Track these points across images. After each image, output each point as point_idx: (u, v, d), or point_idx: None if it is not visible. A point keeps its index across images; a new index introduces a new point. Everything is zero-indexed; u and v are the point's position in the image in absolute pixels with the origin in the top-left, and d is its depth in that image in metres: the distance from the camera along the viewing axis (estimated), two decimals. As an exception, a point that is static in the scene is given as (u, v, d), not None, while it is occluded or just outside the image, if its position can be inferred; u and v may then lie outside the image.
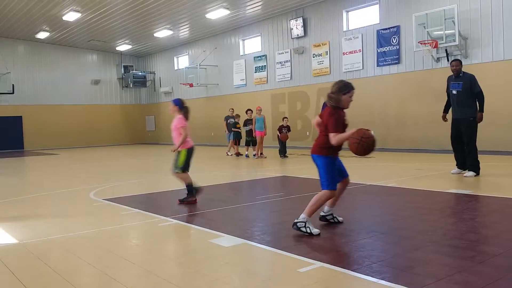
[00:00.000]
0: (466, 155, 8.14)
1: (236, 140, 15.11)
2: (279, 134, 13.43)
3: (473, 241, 4.08)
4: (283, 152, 13.52)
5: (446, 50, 13.42)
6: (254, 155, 13.84)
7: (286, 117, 13.94)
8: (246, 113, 14.42)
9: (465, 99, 8.06)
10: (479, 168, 8.04)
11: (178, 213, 5.81)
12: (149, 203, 6.89)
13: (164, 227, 5.10)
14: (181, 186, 6.93)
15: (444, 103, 8.61)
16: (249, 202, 6.62)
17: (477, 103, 8.03)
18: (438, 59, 13.86)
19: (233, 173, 11.01)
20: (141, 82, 27.92)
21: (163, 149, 22.47)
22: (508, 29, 12.35)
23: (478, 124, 8.01)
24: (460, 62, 8.29)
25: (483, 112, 7.98)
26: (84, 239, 4.67)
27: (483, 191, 7.03)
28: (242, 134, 14.96)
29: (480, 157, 8.23)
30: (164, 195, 7.64)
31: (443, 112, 8.61)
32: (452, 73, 8.32)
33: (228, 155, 15.33)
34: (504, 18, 12.36)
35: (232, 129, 15.05)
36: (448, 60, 13.56)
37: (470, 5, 12.95)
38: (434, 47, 13.23)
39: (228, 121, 15.44)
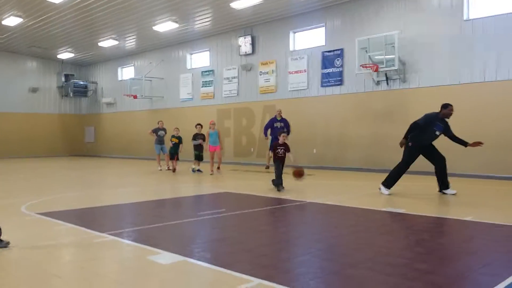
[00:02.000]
0: (445, 172, 8.53)
1: (172, 154, 14.37)
2: (273, 154, 9.87)
3: (407, 258, 4.23)
4: (279, 183, 9.40)
5: (386, 74, 14.05)
6: (195, 170, 13.62)
7: (284, 133, 10.16)
8: (196, 127, 14.05)
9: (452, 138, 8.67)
10: None
11: (115, 228, 5.62)
12: (85, 218, 6.60)
13: (99, 243, 4.90)
14: (123, 200, 6.69)
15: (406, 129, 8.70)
16: (189, 218, 6.51)
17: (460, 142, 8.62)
18: (378, 82, 14.47)
19: (173, 188, 10.83)
20: (82, 91, 26.97)
21: (101, 161, 21.75)
22: (443, 56, 13.13)
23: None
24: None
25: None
26: (13, 255, 4.38)
27: (416, 210, 7.35)
28: (180, 147, 14.38)
29: (417, 178, 8.62)
30: (101, 209, 7.36)
31: (406, 138, 8.65)
32: (435, 112, 8.58)
33: (159, 169, 14.86)
34: (441, 46, 13.13)
35: (171, 141, 14.38)
36: (387, 84, 14.22)
37: (410, 32, 13.67)
38: (375, 71, 13.80)
39: (159, 133, 15.19)
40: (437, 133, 8.54)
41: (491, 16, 12.30)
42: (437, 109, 8.88)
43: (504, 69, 12.04)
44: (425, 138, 8.58)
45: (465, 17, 12.80)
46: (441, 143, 8.88)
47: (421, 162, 8.84)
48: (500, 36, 12.06)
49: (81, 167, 17.87)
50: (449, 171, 8.72)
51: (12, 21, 18.36)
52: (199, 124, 14.02)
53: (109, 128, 26.35)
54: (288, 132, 14.93)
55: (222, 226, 5.95)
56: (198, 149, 13.79)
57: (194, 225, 5.99)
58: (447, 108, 8.54)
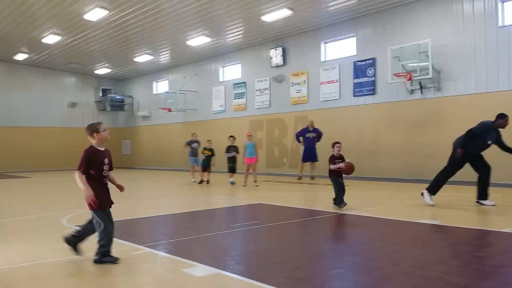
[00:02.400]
0: (488, 181, 8.34)
1: (204, 167, 14.47)
2: (335, 167, 8.51)
3: (441, 272, 4.17)
4: (340, 200, 8.33)
5: (420, 82, 13.85)
6: (233, 182, 13.61)
7: (338, 142, 8.76)
8: (229, 139, 14.13)
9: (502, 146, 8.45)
10: None
11: (151, 241, 5.77)
12: (124, 230, 6.79)
13: (137, 255, 5.05)
14: (158, 212, 6.87)
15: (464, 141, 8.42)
16: (223, 230, 6.61)
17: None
18: (412, 91, 14.28)
19: (207, 200, 10.98)
20: (118, 105, 27.78)
21: (137, 173, 22.26)
22: (478, 64, 12.86)
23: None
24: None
25: None
26: (55, 267, 4.58)
27: (452, 221, 7.19)
28: (215, 160, 14.52)
29: (454, 188, 8.44)
30: (137, 222, 7.56)
31: (463, 149, 8.32)
32: (491, 121, 8.35)
33: (193, 181, 14.93)
34: (476, 53, 12.88)
35: (201, 154, 14.58)
36: (421, 92, 14.01)
37: (443, 40, 13.46)
38: (408, 80, 13.63)
39: (192, 145, 15.33)
40: (489, 142, 8.31)
41: (528, 21, 11.99)
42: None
43: (544, 75, 11.67)
44: (476, 146, 8.35)
45: (500, 24, 12.52)
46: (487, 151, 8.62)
47: (460, 171, 8.63)
48: (539, 41, 11.72)
49: (118, 179, 18.33)
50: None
51: (51, 39, 19.19)
52: (232, 136, 13.98)
53: (145, 141, 26.97)
54: (318, 140, 15.01)
55: (256, 238, 6.01)
56: (232, 161, 13.81)
57: (227, 237, 6.08)
58: (503, 119, 8.22)
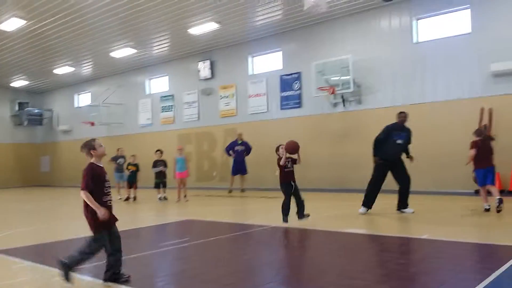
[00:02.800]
0: (406, 191, 8.71)
1: (129, 183, 13.88)
2: (280, 173, 8.12)
3: (368, 280, 4.32)
4: (286, 212, 7.85)
5: (342, 96, 14.46)
6: (161, 198, 13.28)
7: (281, 144, 8.30)
8: (155, 154, 13.80)
9: (404, 149, 8.89)
10: None
11: (75, 264, 5.43)
12: (45, 254, 6.36)
13: (59, 281, 4.72)
14: (81, 233, 6.49)
15: (372, 147, 8.91)
16: (151, 250, 6.40)
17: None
18: (335, 104, 14.86)
19: (134, 218, 10.60)
20: (36, 120, 26.18)
21: (57, 191, 21.07)
22: (395, 78, 13.68)
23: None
24: (407, 114, 8.96)
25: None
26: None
27: (376, 230, 7.52)
28: (138, 175, 14.07)
29: (383, 196, 8.84)
30: (59, 245, 7.11)
31: (376, 155, 8.81)
32: (393, 123, 8.90)
33: (119, 199, 14.10)
34: (393, 68, 13.70)
35: (126, 170, 14.02)
36: (344, 105, 14.61)
37: (363, 56, 14.17)
38: (332, 93, 14.17)
39: (118, 161, 14.75)
40: (399, 141, 8.73)
41: (438, 39, 12.97)
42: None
43: (453, 89, 12.66)
44: (388, 150, 8.75)
45: (414, 40, 13.43)
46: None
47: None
48: (448, 58, 12.71)
49: (36, 199, 17.24)
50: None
51: (-39, 49, 17.75)
52: (158, 150, 13.64)
53: (65, 157, 25.59)
54: (247, 153, 15.13)
55: (186, 257, 5.88)
56: (160, 176, 13.43)
57: (156, 257, 5.89)
58: (400, 115, 8.93)
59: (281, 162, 7.83)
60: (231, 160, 15.42)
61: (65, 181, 25.17)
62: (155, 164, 13.40)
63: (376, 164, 8.79)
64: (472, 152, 8.63)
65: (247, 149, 15.24)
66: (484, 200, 8.54)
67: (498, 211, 8.05)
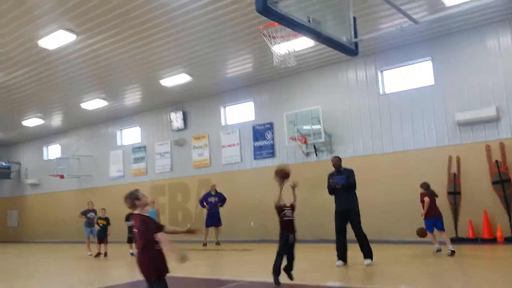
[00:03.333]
0: (361, 244, 8.56)
1: (100, 238, 13.50)
2: (280, 221, 7.35)
3: None
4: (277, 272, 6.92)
5: (314, 146, 14.66)
6: (133, 254, 12.86)
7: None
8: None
9: (349, 192, 8.80)
10: (372, 255, 8.53)
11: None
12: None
13: None
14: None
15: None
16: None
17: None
18: (308, 154, 15.02)
19: (105, 275, 10.18)
20: (4, 173, 25.43)
21: (25, 247, 20.17)
22: (364, 128, 14.02)
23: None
24: (339, 158, 9.14)
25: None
26: None
27: (355, 282, 7.43)
28: (109, 229, 13.65)
29: (349, 246, 8.78)
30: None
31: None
32: (333, 169, 9.03)
33: (89, 254, 13.68)
34: (361, 118, 14.06)
35: (96, 225, 13.63)
36: (316, 155, 14.79)
37: (332, 106, 14.53)
38: (304, 143, 14.37)
39: (88, 215, 14.32)
40: (338, 186, 8.84)
41: (404, 90, 13.48)
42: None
43: (420, 138, 13.03)
44: (335, 197, 8.94)
45: (380, 91, 13.90)
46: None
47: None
48: (413, 108, 13.17)
49: (3, 256, 16.39)
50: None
51: None
52: None
53: (34, 211, 24.74)
54: (222, 205, 14.92)
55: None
56: (132, 230, 12.98)
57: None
58: (331, 160, 9.21)
59: (276, 201, 6.86)
60: (205, 212, 15.18)
61: (34, 236, 24.20)
62: (128, 217, 13.04)
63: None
64: (427, 200, 9.48)
65: (221, 200, 15.07)
66: (434, 241, 9.79)
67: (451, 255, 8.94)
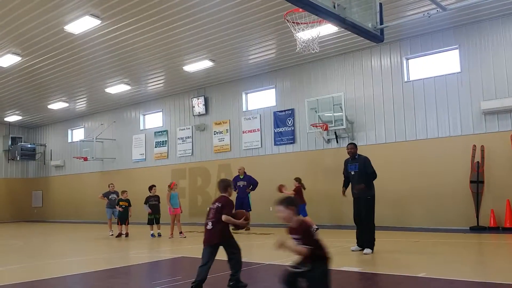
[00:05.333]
0: (365, 232, 8.56)
1: (121, 219, 13.75)
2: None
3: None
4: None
5: (335, 132, 14.60)
6: (154, 235, 13.09)
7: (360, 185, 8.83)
8: (150, 190, 13.58)
9: (362, 179, 8.69)
10: (374, 245, 8.50)
11: (65, 305, 5.31)
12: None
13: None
14: (71, 271, 6.35)
15: (342, 182, 9.14)
16: (144, 288, 6.27)
17: (368, 179, 8.68)
18: (328, 141, 14.98)
19: (126, 255, 10.42)
20: (29, 154, 26.10)
21: (49, 227, 20.75)
22: (387, 115, 13.88)
23: None
24: (355, 145, 9.09)
25: (365, 186, 8.66)
26: None
27: (375, 268, 7.44)
28: (130, 210, 13.92)
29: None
30: (49, 283, 6.95)
31: (343, 187, 9.06)
32: (348, 156, 9.01)
33: (110, 235, 14.08)
34: (385, 106, 13.92)
35: (118, 206, 13.84)
36: (337, 142, 14.74)
37: (355, 94, 14.43)
38: (325, 130, 14.32)
39: (110, 197, 14.62)
40: (352, 173, 8.84)
41: (428, 78, 13.25)
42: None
43: (444, 127, 12.84)
44: (351, 183, 8.91)
45: (405, 79, 13.71)
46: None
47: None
48: (438, 96, 12.96)
49: (27, 234, 16.92)
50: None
51: (-44, 84, 17.83)
52: (154, 186, 13.61)
53: (57, 192, 25.38)
54: (253, 188, 14.64)
55: (179, 296, 5.76)
56: (153, 212, 13.23)
57: (149, 297, 5.77)
58: (346, 147, 9.18)
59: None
60: (234, 196, 14.99)
61: (57, 216, 24.87)
62: (147, 200, 13.30)
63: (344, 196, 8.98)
64: None
65: (252, 184, 14.54)
66: None
67: None
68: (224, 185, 5.84)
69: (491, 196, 11.86)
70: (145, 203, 13.26)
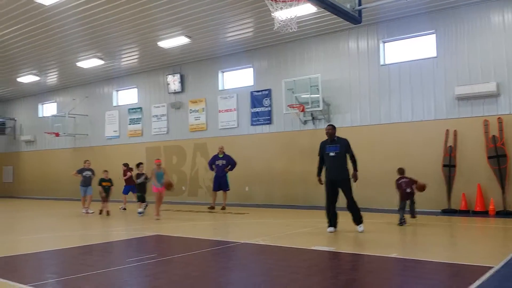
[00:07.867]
0: (352, 212, 8.70)
1: (103, 198, 13.53)
2: (407, 189, 9.70)
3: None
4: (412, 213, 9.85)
5: (312, 114, 14.66)
6: (140, 213, 12.91)
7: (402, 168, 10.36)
8: (138, 167, 13.43)
9: (342, 161, 8.78)
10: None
11: (38, 280, 5.24)
12: (3, 268, 6.10)
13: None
14: (44, 247, 6.26)
15: (316, 166, 9.09)
16: (118, 265, 6.24)
17: (352, 164, 8.78)
18: (305, 122, 15.04)
19: (101, 232, 10.34)
20: (-2, 128, 25.34)
21: (20, 203, 20.33)
22: (363, 98, 14.00)
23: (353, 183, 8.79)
24: (334, 126, 9.02)
25: (357, 171, 8.79)
26: None
27: (345, 248, 7.60)
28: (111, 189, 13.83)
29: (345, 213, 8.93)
30: (21, 258, 6.84)
31: (318, 176, 9.00)
32: (325, 137, 8.99)
33: (84, 212, 13.89)
34: (360, 88, 14.02)
35: (100, 187, 13.52)
36: (313, 123, 14.82)
37: (332, 75, 14.46)
38: (301, 111, 14.35)
39: (84, 173, 14.30)
40: (331, 154, 8.81)
41: (405, 62, 13.38)
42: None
43: (418, 111, 13.04)
44: (326, 165, 8.91)
45: (381, 62, 13.81)
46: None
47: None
48: (414, 80, 13.13)
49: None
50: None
51: None
52: (141, 164, 13.64)
53: (28, 168, 24.79)
54: (232, 168, 14.58)
55: (152, 273, 5.75)
56: (142, 190, 13.21)
57: (122, 273, 5.74)
58: (325, 129, 9.17)
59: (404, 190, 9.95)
60: (212, 175, 14.85)
61: (29, 192, 24.35)
62: (137, 177, 13.33)
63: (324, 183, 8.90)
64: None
65: (230, 163, 14.51)
66: None
67: None
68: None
69: (463, 180, 12.19)
70: (137, 178, 13.32)
